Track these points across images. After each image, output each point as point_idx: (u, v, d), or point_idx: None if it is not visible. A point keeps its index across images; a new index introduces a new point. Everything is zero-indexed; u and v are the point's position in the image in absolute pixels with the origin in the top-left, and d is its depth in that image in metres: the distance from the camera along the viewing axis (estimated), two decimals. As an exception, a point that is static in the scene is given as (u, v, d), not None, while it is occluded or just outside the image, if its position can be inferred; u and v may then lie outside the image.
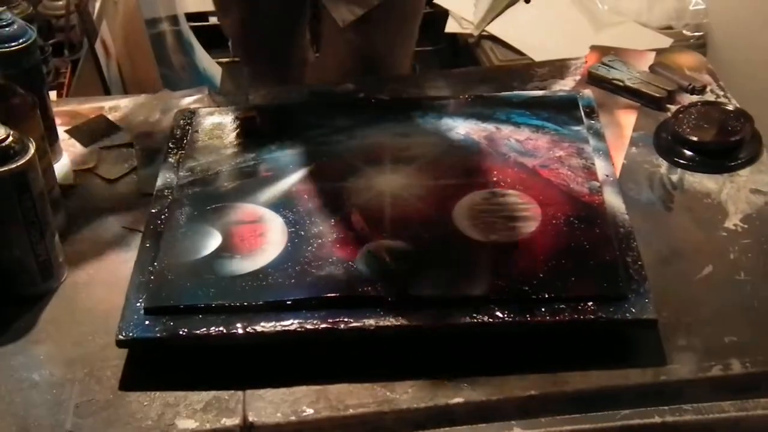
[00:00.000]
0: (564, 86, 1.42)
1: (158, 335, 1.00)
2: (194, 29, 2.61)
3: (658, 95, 1.37)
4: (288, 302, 1.01)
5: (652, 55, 1.48)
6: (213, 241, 1.11)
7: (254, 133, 1.29)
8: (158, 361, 1.02)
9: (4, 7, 1.22)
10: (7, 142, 1.03)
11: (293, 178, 1.20)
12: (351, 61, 1.70)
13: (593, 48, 1.52)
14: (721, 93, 1.39)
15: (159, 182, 1.22)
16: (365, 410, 0.96)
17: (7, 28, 1.20)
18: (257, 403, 0.97)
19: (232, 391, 0.98)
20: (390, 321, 0.99)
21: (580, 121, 1.28)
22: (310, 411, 0.96)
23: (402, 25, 1.73)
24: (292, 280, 1.04)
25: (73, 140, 1.37)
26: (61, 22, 1.91)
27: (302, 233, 1.11)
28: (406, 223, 1.11)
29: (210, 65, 2.61)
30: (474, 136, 1.26)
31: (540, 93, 1.39)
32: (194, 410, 0.97)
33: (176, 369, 1.01)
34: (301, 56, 1.91)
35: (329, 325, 0.99)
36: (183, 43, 2.55)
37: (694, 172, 1.25)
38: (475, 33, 2.34)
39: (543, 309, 0.99)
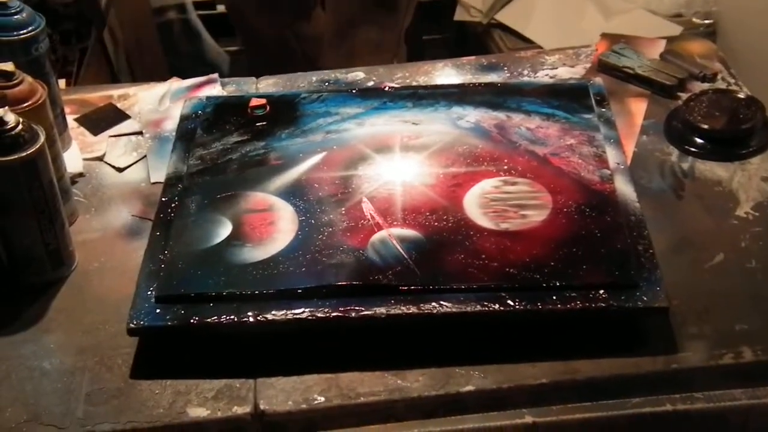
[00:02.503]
0: (574, 74, 1.41)
1: (169, 323, 1.00)
2: (202, 17, 2.61)
3: (668, 83, 1.36)
4: (299, 290, 1.01)
5: (663, 42, 1.47)
6: (223, 230, 1.10)
7: (264, 121, 1.29)
8: (169, 349, 1.02)
9: (13, -5, 1.21)
10: (17, 131, 1.03)
11: (303, 167, 1.20)
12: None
13: (603, 36, 1.51)
14: (732, 81, 1.38)
15: (169, 171, 1.22)
16: (376, 398, 0.96)
17: (16, 16, 1.20)
18: (268, 391, 0.97)
19: (243, 379, 0.98)
20: (401, 309, 0.99)
21: (590, 109, 1.27)
22: (321, 399, 0.96)
23: None
24: (303, 269, 1.04)
25: (82, 129, 1.37)
26: (69, 10, 1.91)
27: (312, 222, 1.11)
28: (417, 212, 1.11)
29: (218, 53, 2.61)
30: (484, 124, 1.25)
31: (550, 81, 1.39)
32: (205, 398, 0.97)
33: (187, 357, 1.01)
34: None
35: (340, 314, 0.99)
36: (191, 32, 2.55)
37: (705, 160, 1.24)
38: (484, 21, 2.34)
39: (554, 297, 0.99)
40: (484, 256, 1.04)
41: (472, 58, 1.48)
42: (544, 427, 0.95)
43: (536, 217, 1.10)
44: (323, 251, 1.06)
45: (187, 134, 1.28)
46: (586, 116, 1.26)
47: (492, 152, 1.20)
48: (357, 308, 0.99)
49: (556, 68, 1.44)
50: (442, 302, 1.00)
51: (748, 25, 2.15)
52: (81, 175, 1.28)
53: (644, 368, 0.97)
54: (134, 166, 1.30)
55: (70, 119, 1.36)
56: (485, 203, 1.12)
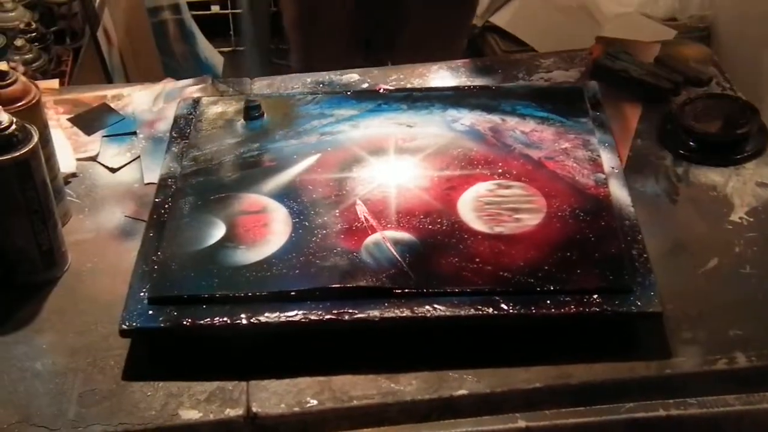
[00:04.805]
0: (569, 78, 1.41)
1: (162, 325, 0.99)
2: (196, 18, 2.61)
3: (663, 87, 1.36)
4: (292, 293, 1.01)
5: (658, 46, 1.47)
6: (217, 231, 1.10)
7: (258, 122, 1.29)
8: (162, 351, 1.02)
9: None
10: (10, 130, 1.03)
11: (297, 168, 1.20)
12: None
13: (599, 39, 1.51)
14: (727, 85, 1.38)
15: (162, 171, 1.22)
16: (369, 402, 0.96)
17: None
18: (261, 393, 0.97)
19: (236, 382, 0.98)
20: (394, 312, 0.99)
21: (585, 113, 1.27)
22: (314, 402, 0.96)
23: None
24: (297, 271, 1.04)
25: (75, 128, 1.36)
26: (63, 9, 1.90)
27: (306, 224, 1.10)
28: (411, 214, 1.11)
29: (212, 54, 2.61)
30: (479, 128, 1.25)
31: (545, 84, 1.39)
32: (198, 401, 0.96)
33: (180, 359, 1.01)
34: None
35: (333, 316, 0.99)
36: (185, 32, 2.55)
37: (699, 164, 1.24)
38: (479, 24, 2.34)
39: (548, 301, 0.99)
40: (478, 259, 1.04)
41: (467, 60, 1.48)
42: (538, 431, 0.95)
43: (530, 220, 1.10)
44: (317, 253, 1.06)
45: (181, 135, 1.28)
46: (581, 120, 1.26)
47: (486, 155, 1.20)
48: (350, 311, 0.99)
49: (551, 71, 1.43)
50: (435, 305, 0.99)
51: (742, 29, 2.16)
52: (74, 175, 1.27)
53: (638, 373, 0.97)
54: (128, 166, 1.29)
55: (63, 119, 1.35)
56: (479, 206, 1.12)
